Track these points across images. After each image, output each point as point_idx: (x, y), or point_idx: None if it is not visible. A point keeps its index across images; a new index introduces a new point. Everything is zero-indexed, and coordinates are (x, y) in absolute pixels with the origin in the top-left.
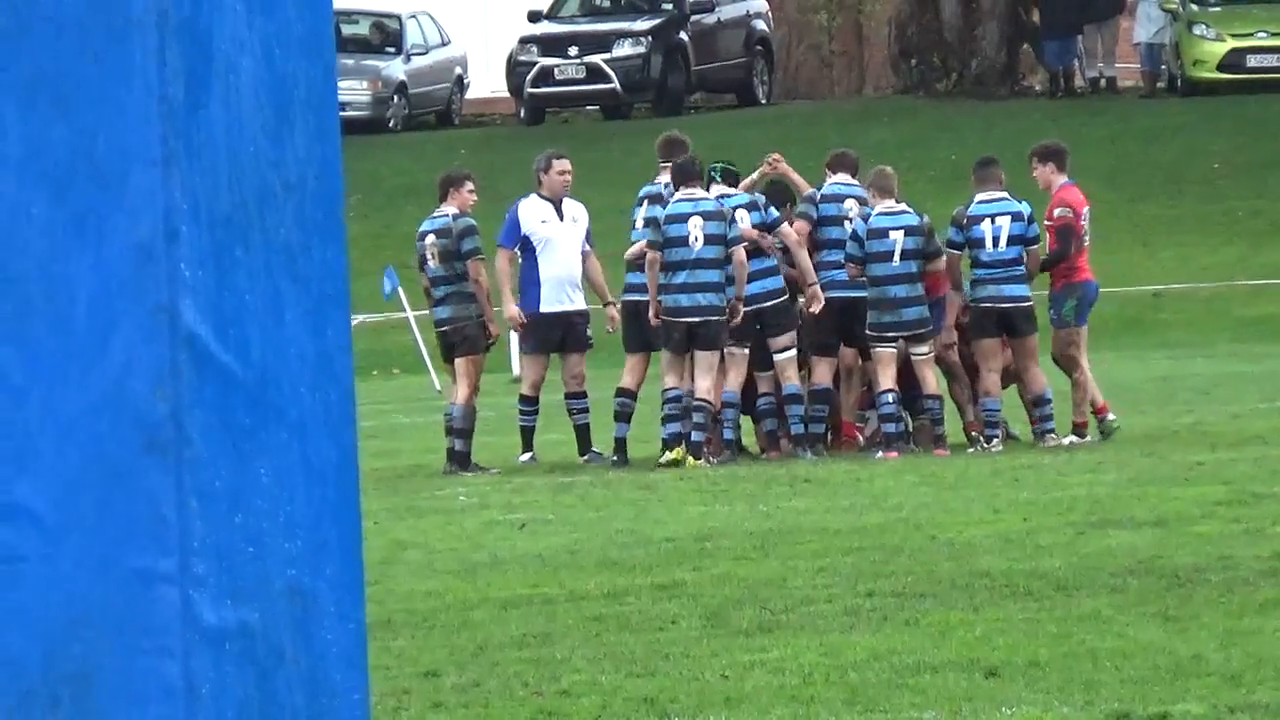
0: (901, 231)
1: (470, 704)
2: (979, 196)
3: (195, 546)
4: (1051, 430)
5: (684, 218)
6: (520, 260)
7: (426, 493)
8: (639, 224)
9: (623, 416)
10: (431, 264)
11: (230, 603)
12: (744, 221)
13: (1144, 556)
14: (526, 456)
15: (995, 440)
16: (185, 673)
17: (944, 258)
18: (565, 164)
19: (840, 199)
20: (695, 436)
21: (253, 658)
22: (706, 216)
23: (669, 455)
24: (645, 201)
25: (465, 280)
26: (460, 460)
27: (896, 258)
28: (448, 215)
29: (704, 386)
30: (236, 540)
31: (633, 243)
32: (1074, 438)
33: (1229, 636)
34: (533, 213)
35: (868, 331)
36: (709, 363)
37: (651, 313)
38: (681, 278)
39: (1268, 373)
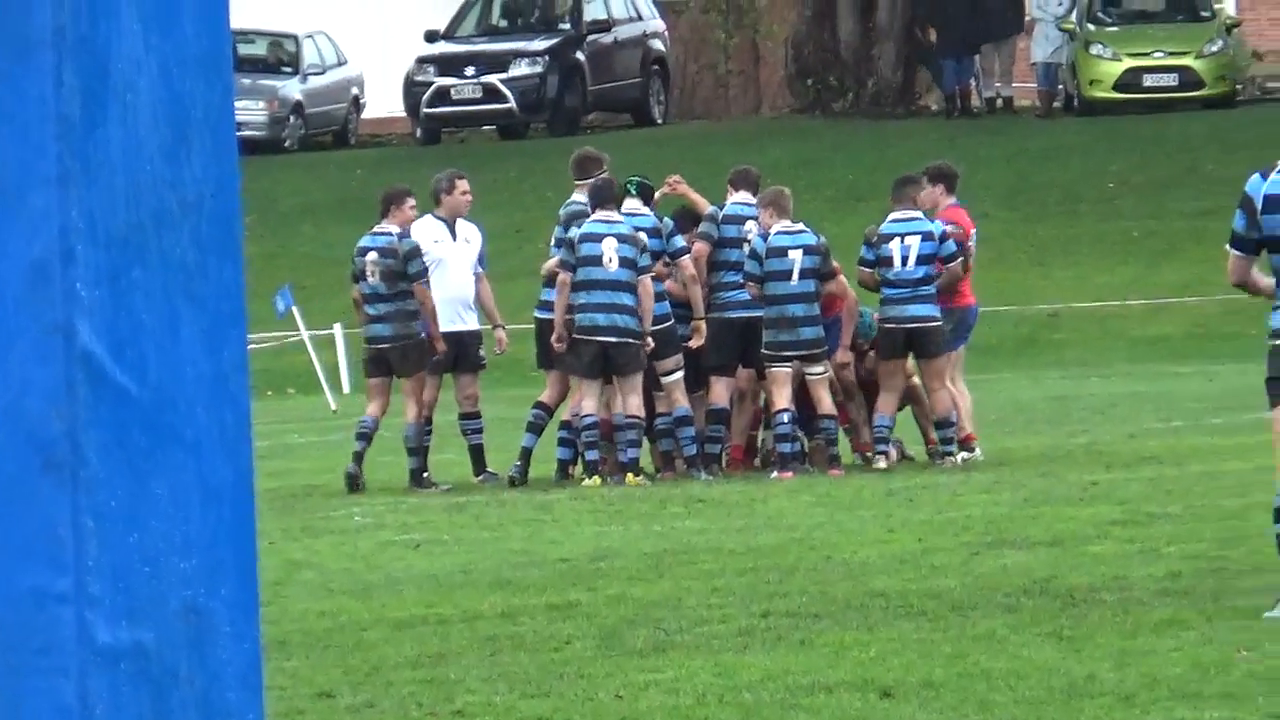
0: (800, 250)
1: None
2: (892, 215)
3: (90, 566)
4: (950, 453)
5: (599, 238)
6: None
7: (322, 513)
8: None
9: (534, 428)
10: (371, 280)
11: (125, 623)
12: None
13: (1039, 577)
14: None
15: (881, 458)
16: (80, 693)
17: (840, 278)
18: (467, 184)
19: (741, 220)
20: (631, 454)
21: (148, 678)
22: (621, 239)
23: (588, 483)
24: (566, 219)
25: (407, 299)
26: (415, 477)
27: (795, 277)
28: (390, 233)
29: (634, 403)
30: (132, 560)
31: (551, 259)
32: (964, 453)
33: (1123, 656)
34: (426, 233)
35: (764, 350)
36: (633, 384)
37: (555, 335)
38: (599, 297)
39: (1163, 392)
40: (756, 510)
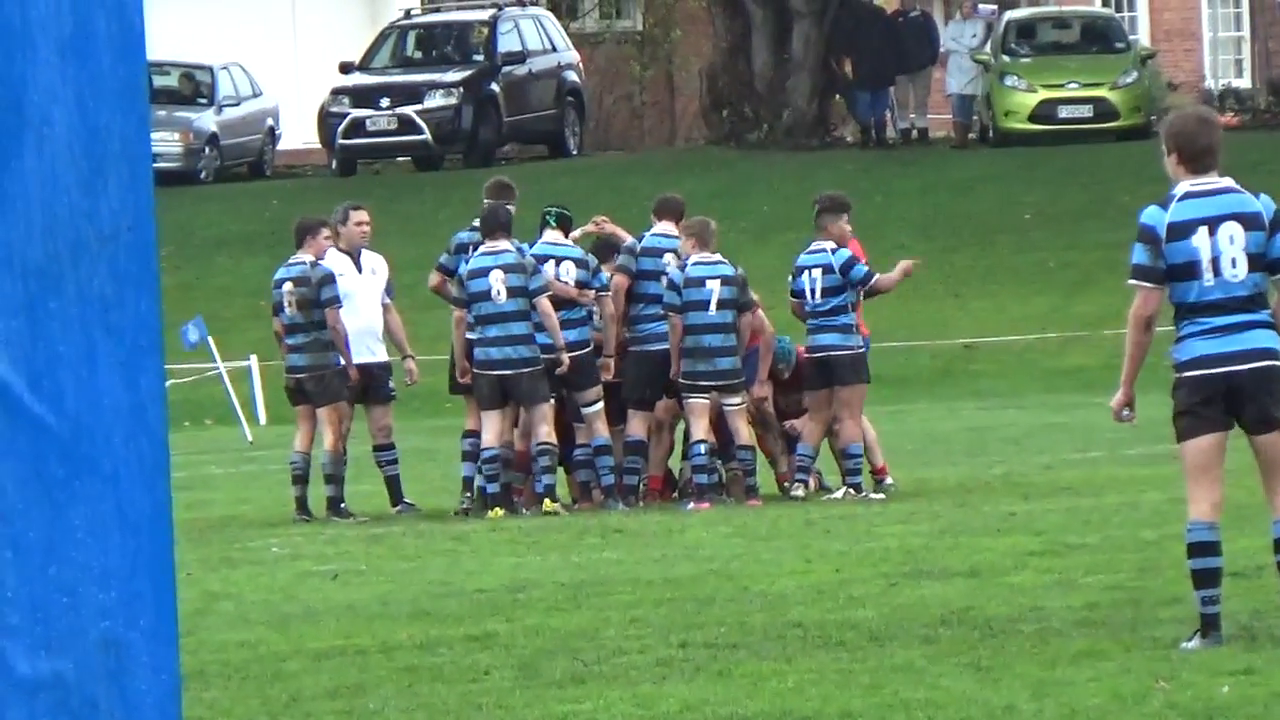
0: (718, 281)
1: None
2: (809, 247)
3: (9, 597)
4: (858, 485)
5: (485, 272)
6: None
7: (239, 544)
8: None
9: (470, 456)
10: (288, 311)
11: (44, 653)
12: (569, 274)
13: (956, 607)
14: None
15: (800, 486)
16: None
17: (758, 310)
18: (363, 215)
19: (660, 252)
20: (548, 480)
21: (67, 709)
22: (507, 269)
23: (490, 515)
24: (456, 247)
25: (323, 329)
26: (333, 506)
27: (713, 307)
28: (304, 263)
29: (544, 431)
30: (50, 591)
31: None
32: (879, 493)
33: (1041, 687)
34: (333, 267)
35: (681, 380)
36: (542, 413)
37: (458, 370)
38: (492, 331)
39: (1079, 423)
40: (674, 541)
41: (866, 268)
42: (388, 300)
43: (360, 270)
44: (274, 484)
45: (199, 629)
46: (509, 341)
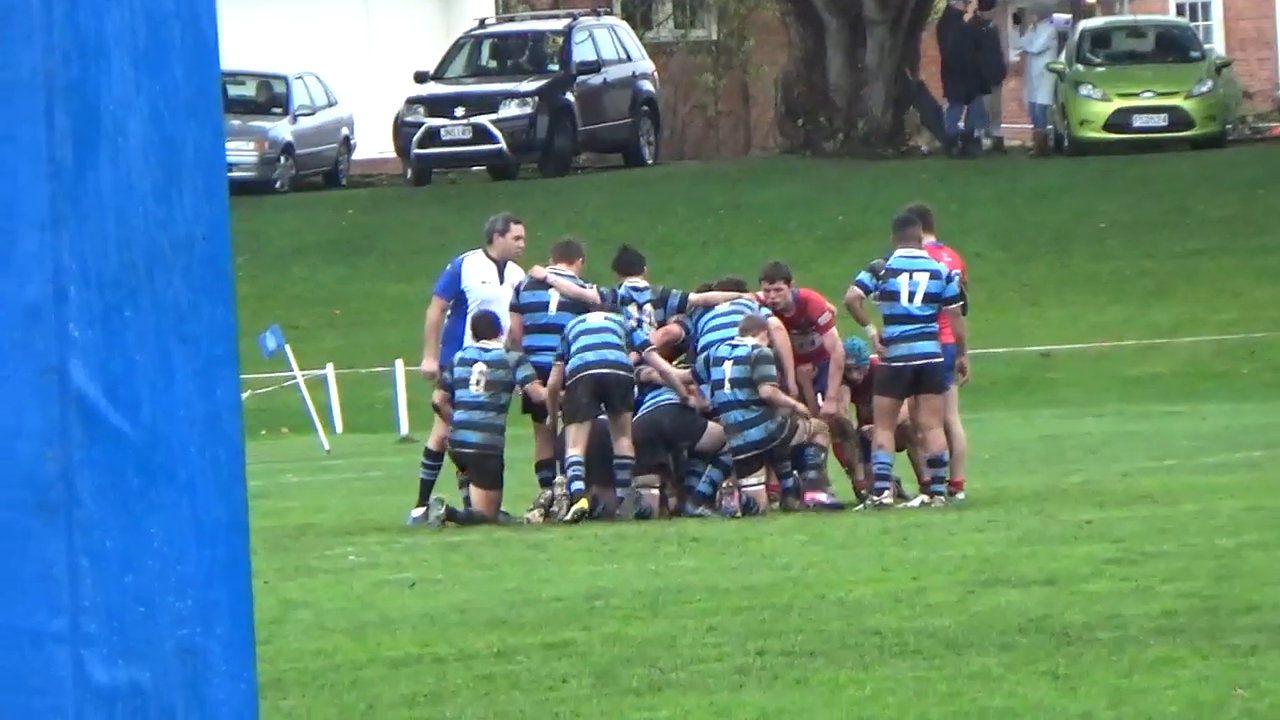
0: (730, 363)
1: None
2: (899, 252)
3: (86, 606)
4: (941, 491)
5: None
6: (449, 314)
7: (316, 552)
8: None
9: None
10: (473, 389)
11: (121, 662)
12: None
13: (1033, 615)
14: (419, 512)
15: (885, 492)
16: None
17: (832, 331)
18: (521, 229)
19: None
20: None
21: (144, 717)
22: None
23: (577, 506)
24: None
25: (504, 411)
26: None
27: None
28: (501, 349)
29: (624, 444)
30: (127, 600)
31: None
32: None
33: (1118, 695)
34: (475, 270)
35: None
36: (621, 424)
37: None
38: (592, 340)
39: (1155, 431)
40: (751, 549)
41: (958, 290)
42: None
43: (502, 281)
44: (350, 492)
45: (276, 637)
46: (607, 352)
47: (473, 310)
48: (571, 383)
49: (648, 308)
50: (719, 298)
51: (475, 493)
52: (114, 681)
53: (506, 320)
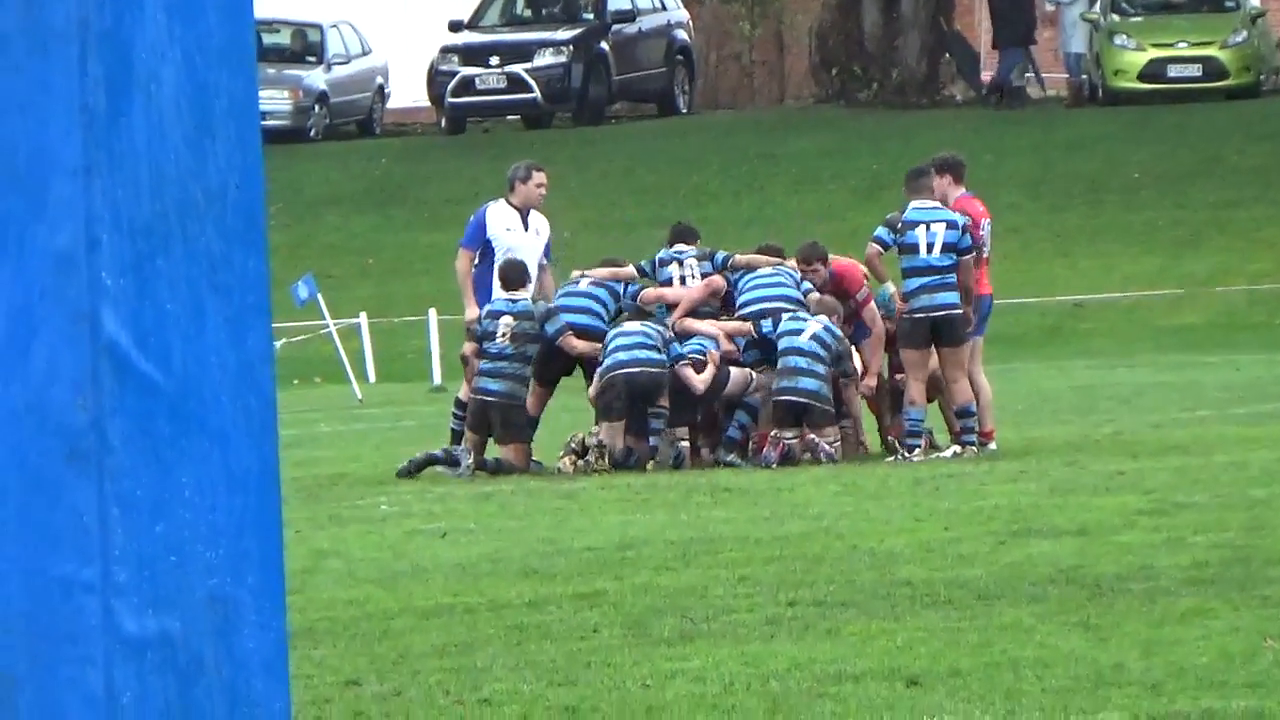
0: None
1: (391, 713)
2: (914, 204)
3: (117, 555)
4: (971, 442)
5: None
6: (477, 264)
7: (348, 502)
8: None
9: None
10: (499, 341)
11: (152, 611)
12: (693, 269)
13: (1065, 566)
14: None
15: (917, 450)
16: (106, 681)
17: (871, 305)
18: (543, 176)
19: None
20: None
21: (174, 666)
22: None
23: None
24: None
25: (528, 364)
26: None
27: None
28: (527, 299)
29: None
30: (158, 549)
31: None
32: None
33: (1150, 646)
34: (499, 218)
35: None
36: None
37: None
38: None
39: (1188, 382)
40: (783, 499)
41: (970, 240)
42: (545, 261)
43: (526, 229)
44: (383, 442)
45: (307, 587)
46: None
47: (499, 259)
48: (604, 382)
49: (690, 262)
50: (762, 260)
51: (504, 448)
52: (144, 630)
53: (534, 269)
